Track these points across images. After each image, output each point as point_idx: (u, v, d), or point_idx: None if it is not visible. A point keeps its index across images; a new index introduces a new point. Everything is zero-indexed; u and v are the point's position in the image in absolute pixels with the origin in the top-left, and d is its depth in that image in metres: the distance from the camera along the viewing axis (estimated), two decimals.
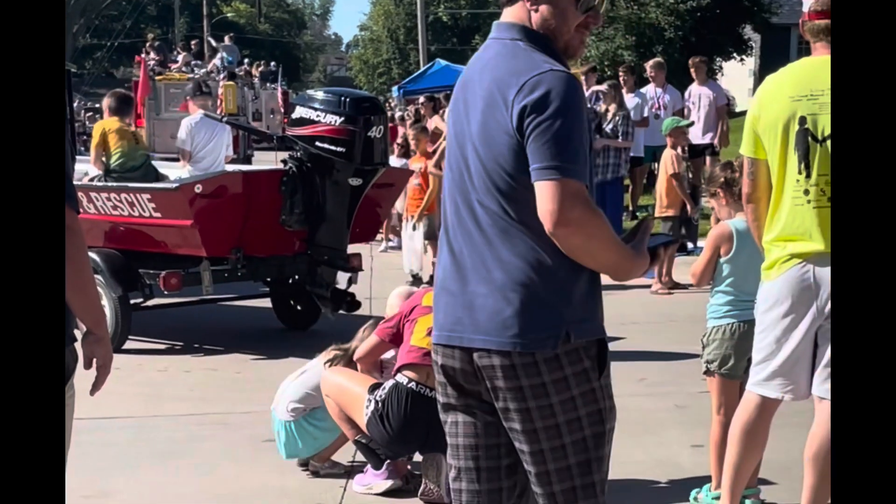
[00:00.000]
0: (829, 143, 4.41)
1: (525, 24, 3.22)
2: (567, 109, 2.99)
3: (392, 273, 12.48)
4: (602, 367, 3.17)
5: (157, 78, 26.57)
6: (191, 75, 25.59)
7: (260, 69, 33.63)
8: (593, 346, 3.16)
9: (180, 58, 31.18)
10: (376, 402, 5.57)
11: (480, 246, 3.14)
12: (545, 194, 2.98)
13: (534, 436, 3.14)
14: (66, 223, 3.24)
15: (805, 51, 4.81)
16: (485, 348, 3.12)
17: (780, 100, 4.52)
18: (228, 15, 69.77)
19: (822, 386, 4.53)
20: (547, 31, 3.20)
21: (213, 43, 34.50)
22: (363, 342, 5.90)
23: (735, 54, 31.78)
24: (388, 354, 5.95)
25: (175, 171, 11.17)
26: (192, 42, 36.82)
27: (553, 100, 2.99)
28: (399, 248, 15.40)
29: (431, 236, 12.65)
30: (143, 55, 28.89)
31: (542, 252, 3.07)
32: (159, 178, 10.46)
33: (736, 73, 33.88)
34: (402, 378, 5.57)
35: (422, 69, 32.91)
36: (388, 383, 5.61)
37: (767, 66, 29.47)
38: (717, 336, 5.26)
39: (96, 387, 3.52)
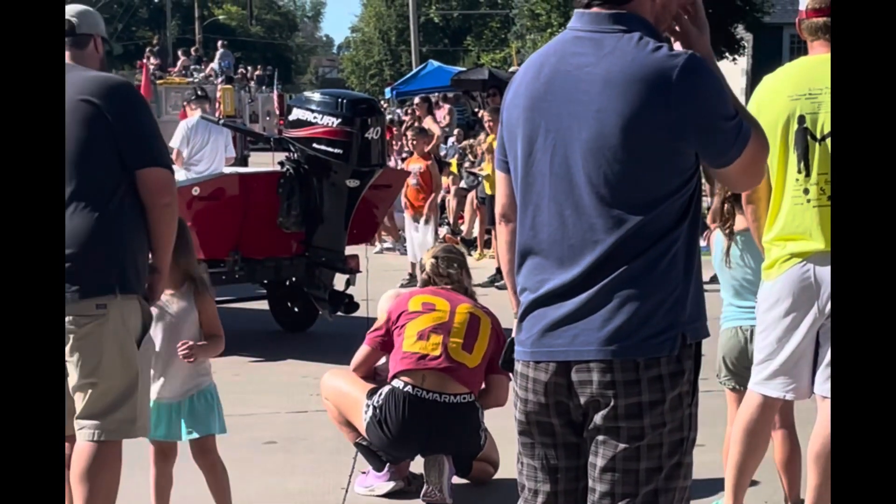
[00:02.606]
0: (828, 141, 4.41)
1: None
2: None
3: (388, 274, 12.48)
4: (698, 369, 3.06)
5: (157, 82, 27.13)
6: (190, 79, 26.05)
7: (257, 72, 34.14)
8: (696, 348, 3.04)
9: (179, 62, 31.85)
10: (374, 407, 5.56)
11: (590, 254, 2.96)
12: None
13: (627, 451, 2.99)
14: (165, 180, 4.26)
15: (798, 50, 4.81)
16: (585, 360, 2.96)
17: (779, 99, 4.52)
18: (220, 17, 69.76)
19: (824, 385, 4.53)
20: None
21: (219, 48, 35.04)
22: (355, 356, 5.86)
23: (727, 54, 31.78)
24: (381, 361, 5.93)
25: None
26: (193, 49, 37.48)
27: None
28: (393, 249, 15.46)
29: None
30: (144, 60, 29.58)
31: (658, 255, 2.94)
32: None
33: (728, 73, 33.84)
34: (398, 383, 5.57)
35: (414, 70, 32.99)
36: (385, 389, 5.60)
37: (760, 65, 29.52)
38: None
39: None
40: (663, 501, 3.04)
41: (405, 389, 5.52)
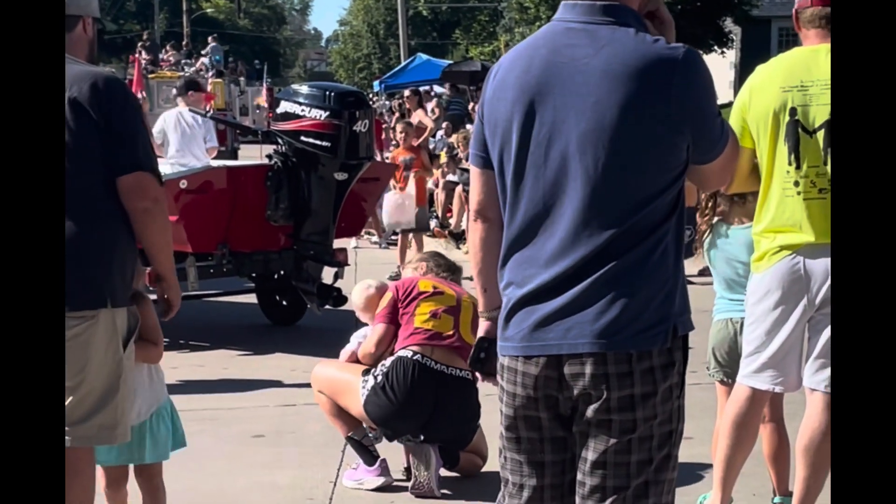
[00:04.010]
0: (819, 134, 4.41)
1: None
2: None
3: (376, 268, 12.47)
4: (686, 361, 3.05)
5: (149, 76, 27.54)
6: (181, 73, 26.35)
7: (247, 69, 34.67)
8: (683, 341, 3.04)
9: (169, 55, 32.40)
10: (375, 377, 5.55)
11: (583, 248, 2.94)
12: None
13: (618, 444, 2.98)
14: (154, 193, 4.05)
15: (786, 43, 4.82)
16: (578, 353, 2.95)
17: (771, 90, 4.51)
18: (208, 11, 69.66)
19: (813, 377, 4.53)
20: None
21: (209, 42, 35.26)
22: (370, 336, 5.82)
23: (716, 47, 31.87)
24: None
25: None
26: (184, 43, 37.96)
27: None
28: (380, 245, 15.48)
29: (423, 228, 12.75)
30: (136, 54, 30.17)
31: (650, 248, 2.94)
32: None
33: (717, 66, 33.92)
34: (405, 352, 5.58)
35: (403, 63, 33.01)
36: (389, 360, 5.61)
37: (748, 58, 29.58)
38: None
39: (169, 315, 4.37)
40: (653, 493, 3.03)
41: (414, 358, 5.55)
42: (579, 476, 3.05)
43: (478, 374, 3.36)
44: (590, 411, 2.97)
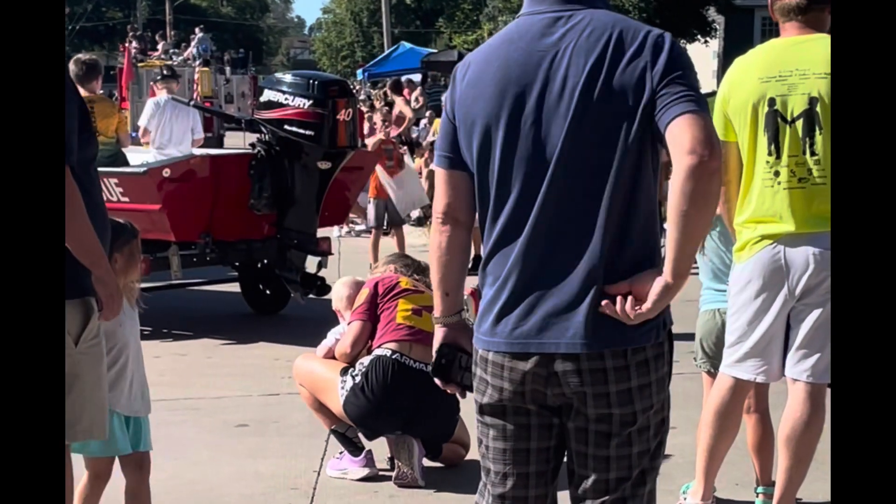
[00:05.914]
0: (798, 123, 4.43)
1: None
2: None
3: (360, 257, 12.46)
4: (672, 350, 3.08)
5: (139, 65, 28.12)
6: (169, 62, 26.65)
7: (232, 57, 35.01)
8: (668, 332, 3.05)
9: (160, 46, 32.88)
10: (353, 376, 5.53)
11: (573, 243, 2.91)
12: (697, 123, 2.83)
13: (615, 440, 3.00)
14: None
15: (769, 32, 4.83)
16: (574, 353, 2.92)
17: (750, 81, 4.53)
18: None
19: (794, 367, 4.56)
20: None
21: (196, 33, 35.37)
22: (345, 335, 5.77)
23: (699, 36, 31.93)
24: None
25: (141, 156, 11.10)
26: (171, 33, 38.49)
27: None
28: (359, 234, 15.45)
29: (400, 221, 12.67)
30: (126, 44, 30.78)
31: (641, 243, 2.93)
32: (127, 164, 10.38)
33: (700, 56, 33.97)
34: (383, 351, 5.56)
35: (386, 52, 32.99)
36: (367, 358, 5.59)
37: (731, 48, 29.63)
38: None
39: (104, 316, 3.85)
40: (649, 480, 3.08)
41: (393, 357, 5.52)
42: (578, 470, 3.05)
43: (438, 382, 3.28)
44: (590, 406, 2.96)
